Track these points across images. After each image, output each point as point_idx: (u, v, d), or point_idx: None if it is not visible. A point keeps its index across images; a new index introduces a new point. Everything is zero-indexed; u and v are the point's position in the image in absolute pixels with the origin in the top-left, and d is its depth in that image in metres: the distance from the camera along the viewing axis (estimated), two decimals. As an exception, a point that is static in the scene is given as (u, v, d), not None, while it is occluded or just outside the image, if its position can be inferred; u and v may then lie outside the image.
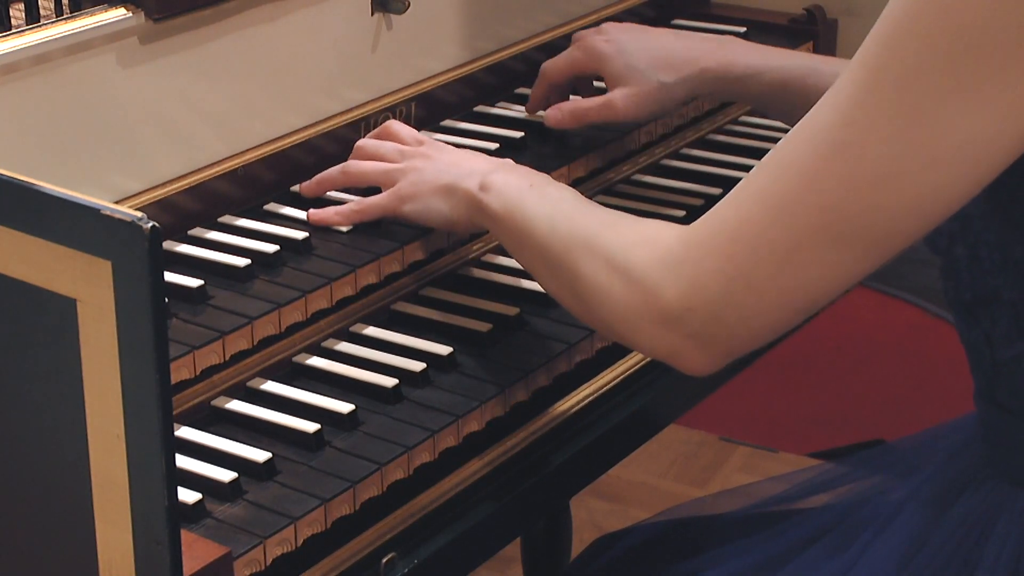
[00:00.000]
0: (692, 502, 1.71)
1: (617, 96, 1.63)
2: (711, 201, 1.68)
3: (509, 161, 1.46)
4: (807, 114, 1.14)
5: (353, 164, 1.53)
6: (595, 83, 1.76)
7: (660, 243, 1.20)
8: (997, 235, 1.19)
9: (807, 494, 1.56)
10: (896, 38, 1.07)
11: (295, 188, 1.57)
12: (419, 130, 1.71)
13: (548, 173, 1.63)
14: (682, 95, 1.64)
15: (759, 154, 1.80)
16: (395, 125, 1.57)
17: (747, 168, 1.76)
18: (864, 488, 1.51)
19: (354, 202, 1.50)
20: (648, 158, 1.79)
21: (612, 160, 1.74)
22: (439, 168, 1.46)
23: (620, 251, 1.22)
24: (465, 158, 1.48)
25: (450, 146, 1.52)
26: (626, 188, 1.74)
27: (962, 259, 1.23)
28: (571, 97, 1.73)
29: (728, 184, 1.72)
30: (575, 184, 1.69)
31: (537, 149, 1.70)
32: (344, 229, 1.50)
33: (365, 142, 1.55)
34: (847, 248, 1.12)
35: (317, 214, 1.50)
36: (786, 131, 1.79)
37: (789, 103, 1.60)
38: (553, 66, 1.70)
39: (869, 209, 1.10)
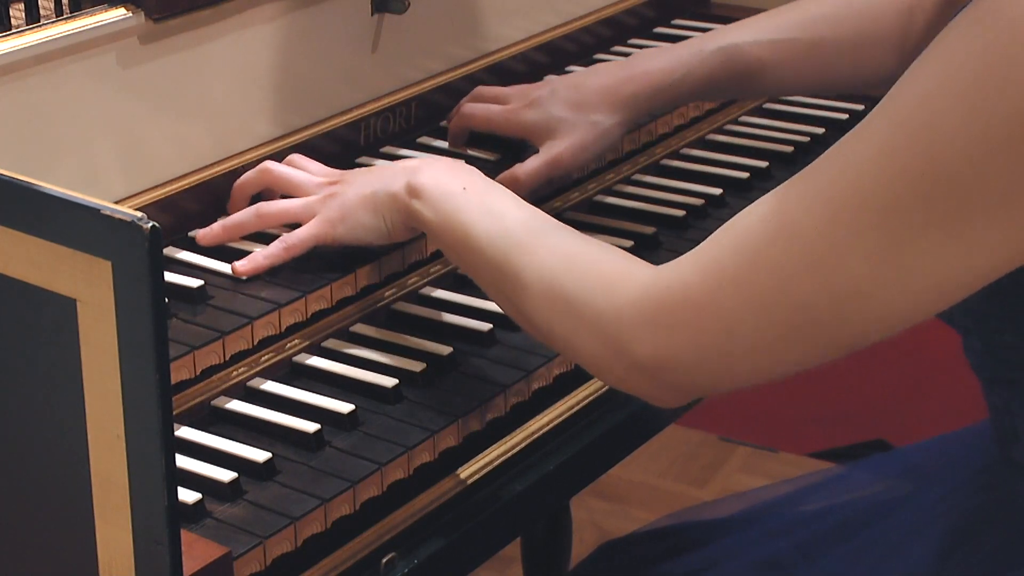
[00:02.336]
0: (699, 506, 1.70)
1: (556, 150, 1.55)
2: (711, 201, 1.68)
3: (435, 157, 1.40)
4: (780, 195, 1.13)
5: (267, 204, 1.44)
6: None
7: (625, 292, 1.18)
8: (1014, 337, 1.20)
9: (815, 498, 1.55)
10: (879, 170, 1.08)
11: (193, 233, 1.46)
12: (419, 130, 1.71)
13: (548, 173, 1.65)
14: (617, 128, 1.58)
15: (759, 154, 1.80)
16: (301, 159, 1.49)
17: (747, 168, 1.76)
18: (872, 495, 1.50)
19: (280, 239, 1.41)
20: (648, 158, 1.79)
21: (612, 160, 1.74)
22: (361, 182, 1.40)
23: (584, 297, 1.20)
24: (385, 167, 1.41)
25: (361, 168, 1.46)
26: (626, 188, 1.73)
27: (978, 348, 1.24)
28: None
29: (728, 184, 1.72)
30: (576, 185, 1.69)
31: (537, 149, 1.69)
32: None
33: (272, 165, 1.47)
34: (817, 343, 1.14)
35: (244, 266, 1.39)
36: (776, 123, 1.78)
37: (725, 89, 1.61)
38: (472, 112, 1.63)
39: (839, 318, 1.11)
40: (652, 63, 1.59)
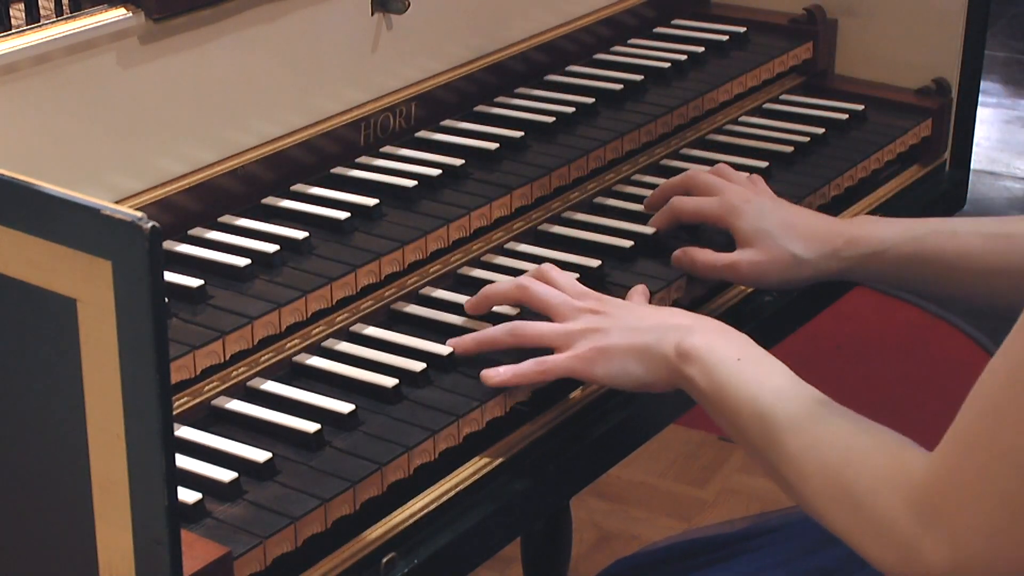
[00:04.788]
0: (717, 525, 1.68)
1: (744, 260, 1.54)
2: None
3: (705, 318, 1.37)
4: (1006, 346, 1.10)
5: (523, 325, 1.39)
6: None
7: (905, 484, 1.14)
8: None
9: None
10: None
11: (451, 342, 1.41)
12: (419, 130, 1.71)
13: (549, 173, 1.65)
14: (811, 272, 1.55)
15: (759, 154, 1.81)
16: (552, 272, 1.45)
17: (747, 168, 1.75)
18: None
19: (534, 362, 1.36)
20: (648, 158, 1.79)
21: (613, 160, 1.74)
22: (626, 327, 1.37)
23: (864, 492, 1.16)
24: (651, 313, 1.40)
25: (619, 300, 1.43)
26: (626, 188, 1.74)
27: None
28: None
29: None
30: (576, 184, 1.69)
31: (537, 149, 1.70)
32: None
33: (529, 283, 1.42)
34: None
35: (492, 377, 1.35)
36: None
37: (927, 273, 1.54)
38: (683, 207, 1.60)
39: None
40: (871, 228, 1.56)
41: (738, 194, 1.59)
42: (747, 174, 1.66)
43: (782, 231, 1.55)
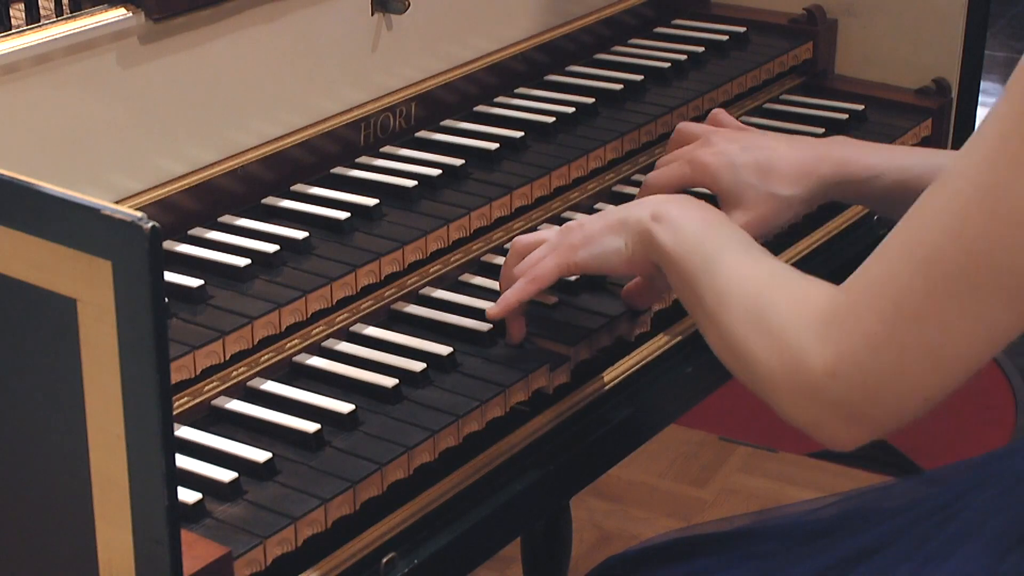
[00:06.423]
0: (715, 522, 1.68)
1: (742, 225, 1.52)
2: (711, 201, 1.67)
3: (690, 197, 1.40)
4: (950, 164, 1.12)
5: (519, 238, 1.45)
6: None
7: (810, 303, 1.18)
8: None
9: (853, 512, 1.52)
10: None
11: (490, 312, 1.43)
12: (419, 130, 1.71)
13: (549, 173, 1.65)
14: (801, 205, 1.54)
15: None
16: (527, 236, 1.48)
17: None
18: (915, 501, 1.47)
19: (522, 279, 1.41)
20: (648, 158, 1.79)
21: (612, 160, 1.74)
22: (605, 214, 1.42)
23: (772, 310, 1.21)
24: (635, 201, 1.43)
25: None
26: (626, 189, 1.74)
27: None
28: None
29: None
30: (575, 184, 1.69)
31: (537, 149, 1.70)
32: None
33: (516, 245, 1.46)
34: (990, 297, 1.09)
35: (495, 309, 1.41)
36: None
37: (912, 200, 1.57)
38: (658, 181, 1.60)
39: (1011, 250, 1.08)
40: (853, 153, 1.56)
41: (705, 152, 1.56)
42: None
43: (760, 178, 1.53)
